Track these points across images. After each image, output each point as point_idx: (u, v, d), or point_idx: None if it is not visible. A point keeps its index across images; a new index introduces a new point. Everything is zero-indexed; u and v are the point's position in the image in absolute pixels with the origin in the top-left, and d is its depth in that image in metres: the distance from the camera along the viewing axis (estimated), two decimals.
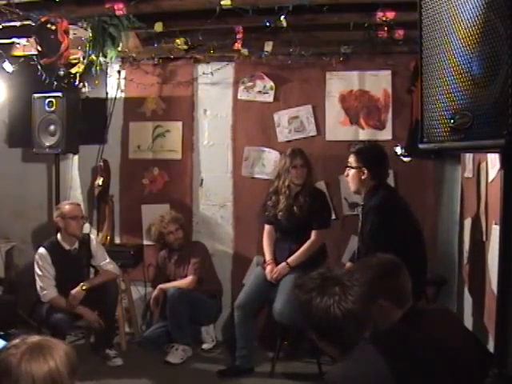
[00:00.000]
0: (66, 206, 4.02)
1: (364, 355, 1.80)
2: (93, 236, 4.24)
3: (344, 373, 1.78)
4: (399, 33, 3.66)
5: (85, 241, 4.08)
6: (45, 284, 3.86)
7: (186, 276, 4.31)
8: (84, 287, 3.85)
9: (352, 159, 3.33)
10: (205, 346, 4.35)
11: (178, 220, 4.38)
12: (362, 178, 3.27)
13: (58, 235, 4.01)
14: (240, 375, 3.83)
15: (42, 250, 3.93)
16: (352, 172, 3.32)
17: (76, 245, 4.03)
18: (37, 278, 3.88)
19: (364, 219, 3.21)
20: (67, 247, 4.00)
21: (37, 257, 3.92)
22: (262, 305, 4.07)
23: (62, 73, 3.82)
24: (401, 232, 3.04)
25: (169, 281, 4.39)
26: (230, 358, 4.04)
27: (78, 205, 4.12)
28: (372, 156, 3.32)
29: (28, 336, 1.41)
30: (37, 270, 3.89)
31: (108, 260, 4.09)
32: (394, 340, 2.01)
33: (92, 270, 4.22)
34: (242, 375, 3.83)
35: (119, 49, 3.76)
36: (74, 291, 3.83)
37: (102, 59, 3.76)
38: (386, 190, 3.32)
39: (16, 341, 1.39)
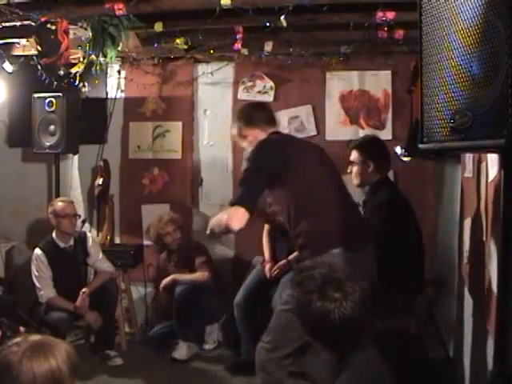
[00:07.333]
0: (58, 203, 3.99)
1: (364, 362, 1.78)
2: (89, 234, 4.23)
3: None
4: (399, 33, 3.65)
5: (81, 238, 4.08)
6: (42, 284, 3.86)
7: None
8: (85, 294, 3.84)
9: (355, 154, 3.29)
10: (206, 347, 4.34)
11: (176, 221, 4.33)
12: (369, 171, 3.24)
13: (54, 233, 4.01)
14: (245, 369, 3.80)
15: (37, 250, 3.93)
16: (356, 167, 3.28)
17: (71, 242, 4.03)
18: (34, 279, 3.88)
19: (370, 214, 3.17)
20: (62, 245, 4.00)
21: (33, 258, 3.92)
22: (261, 302, 4.05)
23: (61, 73, 3.80)
24: (404, 229, 3.05)
25: None
26: (230, 359, 4.04)
27: (72, 202, 4.09)
28: (376, 149, 3.31)
29: (30, 335, 1.42)
30: (34, 270, 3.89)
31: (102, 259, 4.09)
32: None
33: (90, 268, 4.21)
34: (248, 369, 3.81)
35: (119, 49, 3.76)
36: (78, 302, 3.81)
37: (101, 59, 3.75)
38: (390, 185, 3.33)
39: (18, 339, 1.40)
